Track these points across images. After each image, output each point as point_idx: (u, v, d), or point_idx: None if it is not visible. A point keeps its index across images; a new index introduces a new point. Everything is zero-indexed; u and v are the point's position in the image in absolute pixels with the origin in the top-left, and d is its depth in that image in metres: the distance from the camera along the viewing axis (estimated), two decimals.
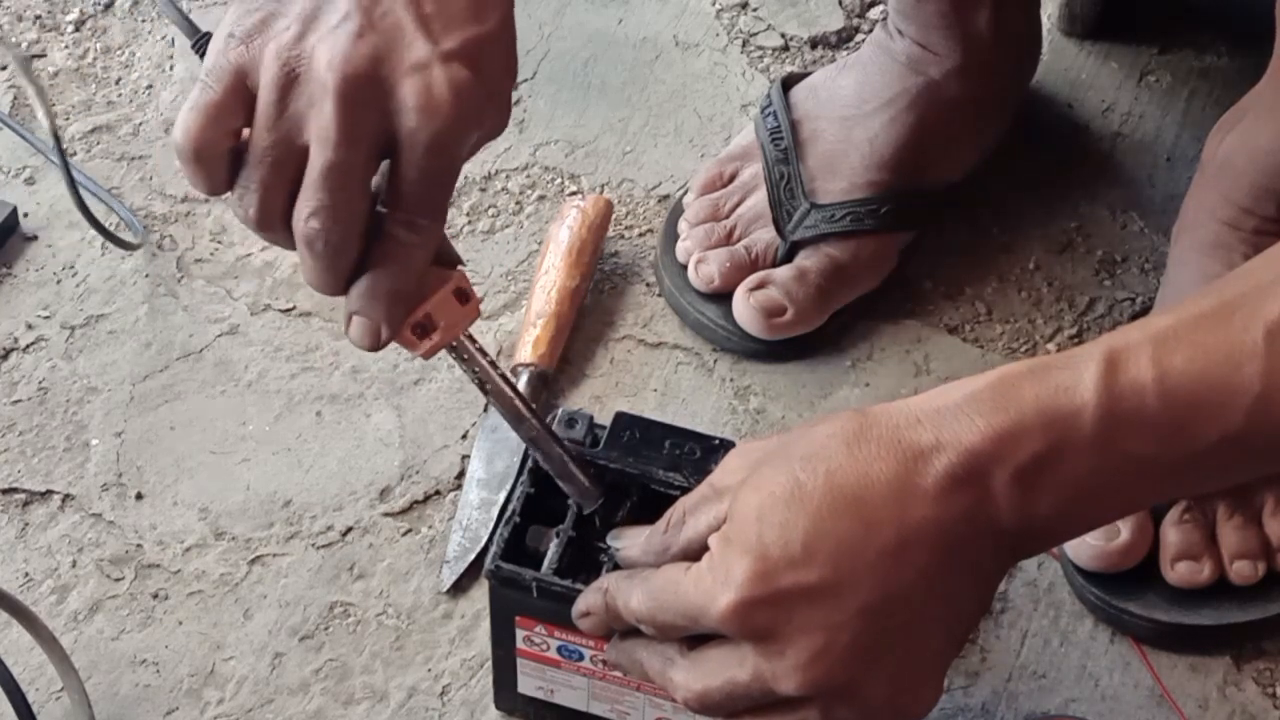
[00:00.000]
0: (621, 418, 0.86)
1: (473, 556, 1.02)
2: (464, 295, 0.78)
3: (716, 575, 0.71)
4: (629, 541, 0.79)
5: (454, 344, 0.80)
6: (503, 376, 0.82)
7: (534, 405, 0.84)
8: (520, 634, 0.86)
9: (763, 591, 0.70)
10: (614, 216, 1.17)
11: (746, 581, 0.70)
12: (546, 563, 0.83)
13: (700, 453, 0.85)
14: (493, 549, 0.85)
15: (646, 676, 0.76)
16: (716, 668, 0.72)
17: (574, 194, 1.19)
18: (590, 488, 0.84)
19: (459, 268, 0.79)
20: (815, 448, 0.70)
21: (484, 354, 0.81)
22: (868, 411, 0.71)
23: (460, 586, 1.01)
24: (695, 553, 0.74)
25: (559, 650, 0.86)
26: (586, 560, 0.83)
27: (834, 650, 0.70)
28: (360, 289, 0.76)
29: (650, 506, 0.83)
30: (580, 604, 0.79)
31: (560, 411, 0.85)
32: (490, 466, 1.05)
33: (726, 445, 0.85)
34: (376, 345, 0.77)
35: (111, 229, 1.14)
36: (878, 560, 0.69)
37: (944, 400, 0.70)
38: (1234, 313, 0.68)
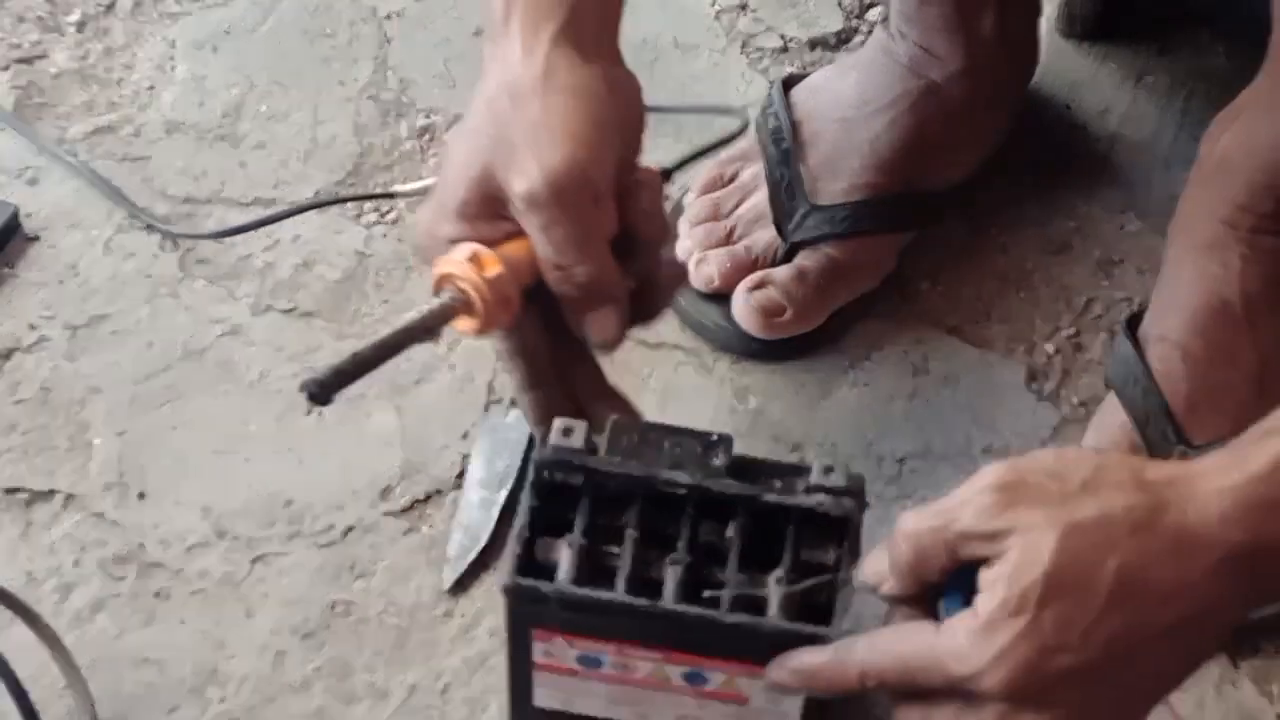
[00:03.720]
0: (618, 424, 0.86)
1: (474, 555, 1.02)
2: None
3: (986, 648, 0.72)
4: (875, 577, 0.78)
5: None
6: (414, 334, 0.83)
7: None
8: (538, 648, 0.84)
9: (1035, 675, 0.71)
10: None
11: (1024, 664, 0.71)
12: (563, 572, 0.82)
13: (701, 449, 0.85)
14: (506, 565, 0.82)
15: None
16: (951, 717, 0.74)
17: None
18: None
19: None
20: (1099, 524, 0.71)
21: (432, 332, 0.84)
22: (1151, 487, 0.72)
23: (461, 585, 1.01)
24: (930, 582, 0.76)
25: (578, 660, 0.85)
26: (598, 566, 0.83)
27: (1076, 711, 0.72)
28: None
29: (658, 507, 0.83)
30: (804, 661, 0.78)
31: (556, 421, 0.85)
32: (490, 466, 1.05)
33: (724, 439, 0.85)
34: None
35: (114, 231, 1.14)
36: (1144, 648, 0.72)
37: (1223, 482, 0.71)
38: None
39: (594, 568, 0.82)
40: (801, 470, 0.84)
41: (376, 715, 0.96)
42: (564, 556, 0.82)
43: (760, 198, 1.13)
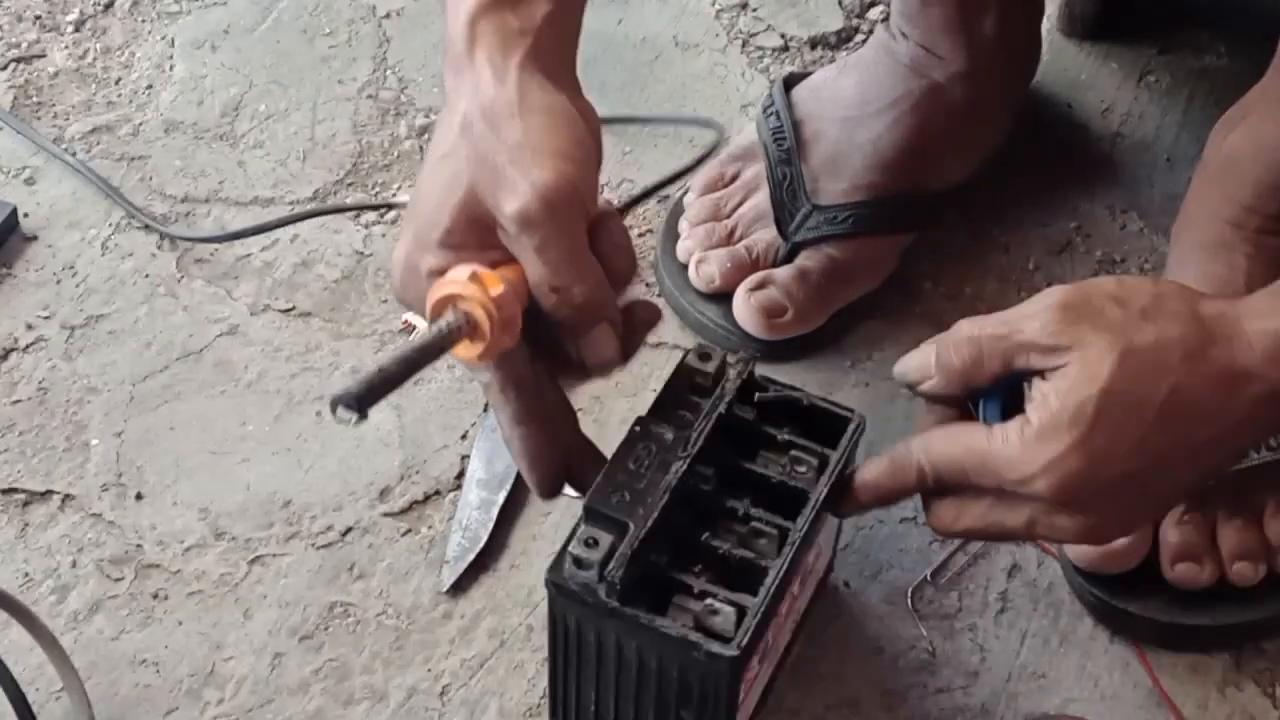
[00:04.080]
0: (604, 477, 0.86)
1: (472, 557, 1.02)
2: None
3: (1039, 454, 0.79)
4: (918, 374, 0.86)
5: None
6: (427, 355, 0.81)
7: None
8: None
9: (1082, 483, 0.79)
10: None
11: (1074, 473, 0.79)
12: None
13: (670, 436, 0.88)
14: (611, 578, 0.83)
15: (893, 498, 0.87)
16: (986, 513, 0.84)
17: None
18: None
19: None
20: (1155, 350, 0.79)
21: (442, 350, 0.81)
22: (1204, 320, 0.80)
23: (460, 586, 1.01)
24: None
25: None
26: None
27: (1114, 515, 0.82)
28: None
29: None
30: (869, 473, 0.88)
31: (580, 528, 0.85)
32: (490, 466, 1.05)
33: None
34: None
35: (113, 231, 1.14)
36: (1183, 457, 0.80)
37: (1269, 324, 0.79)
38: None
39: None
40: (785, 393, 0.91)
41: (375, 717, 0.96)
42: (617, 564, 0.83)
43: (761, 197, 1.13)
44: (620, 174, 1.22)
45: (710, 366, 0.90)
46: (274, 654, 0.98)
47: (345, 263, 1.16)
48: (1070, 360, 0.79)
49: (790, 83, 1.18)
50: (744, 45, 1.31)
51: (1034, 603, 1.01)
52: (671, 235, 1.15)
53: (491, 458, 1.06)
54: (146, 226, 1.18)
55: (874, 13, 1.32)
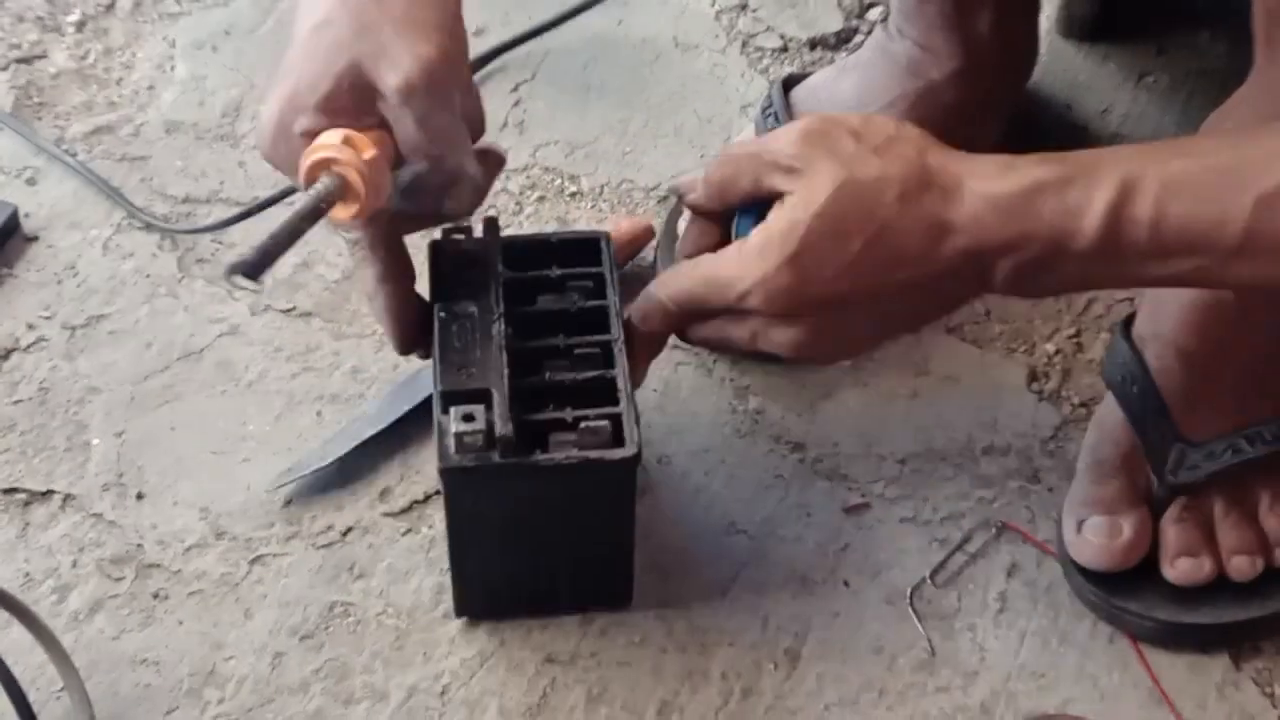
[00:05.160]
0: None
1: (307, 473, 1.05)
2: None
3: (753, 269, 0.84)
4: (688, 188, 0.91)
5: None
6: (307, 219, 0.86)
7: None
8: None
9: (789, 296, 0.84)
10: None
11: (781, 287, 0.84)
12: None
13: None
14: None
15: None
16: (720, 326, 0.89)
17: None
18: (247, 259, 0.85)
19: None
20: (873, 185, 0.83)
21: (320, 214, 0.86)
22: (929, 169, 0.84)
23: (288, 498, 1.03)
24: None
25: None
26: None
27: (823, 334, 0.87)
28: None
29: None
30: (636, 307, 0.92)
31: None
32: (381, 409, 1.08)
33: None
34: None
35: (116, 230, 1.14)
36: (888, 293, 0.84)
37: (985, 188, 0.83)
38: (1237, 174, 0.80)
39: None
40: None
41: (375, 716, 0.96)
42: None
43: None
44: (620, 174, 1.22)
45: (464, 239, 0.97)
46: (274, 654, 0.98)
47: (345, 263, 1.16)
48: (798, 184, 0.84)
49: (790, 84, 1.18)
50: (743, 46, 1.31)
51: (1034, 603, 1.01)
52: (671, 235, 1.15)
53: (390, 401, 1.08)
54: (148, 226, 1.18)
55: (873, 13, 1.32)
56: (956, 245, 0.83)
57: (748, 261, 0.85)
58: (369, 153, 0.85)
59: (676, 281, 0.90)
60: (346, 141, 0.84)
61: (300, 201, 0.84)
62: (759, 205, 0.87)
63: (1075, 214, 0.82)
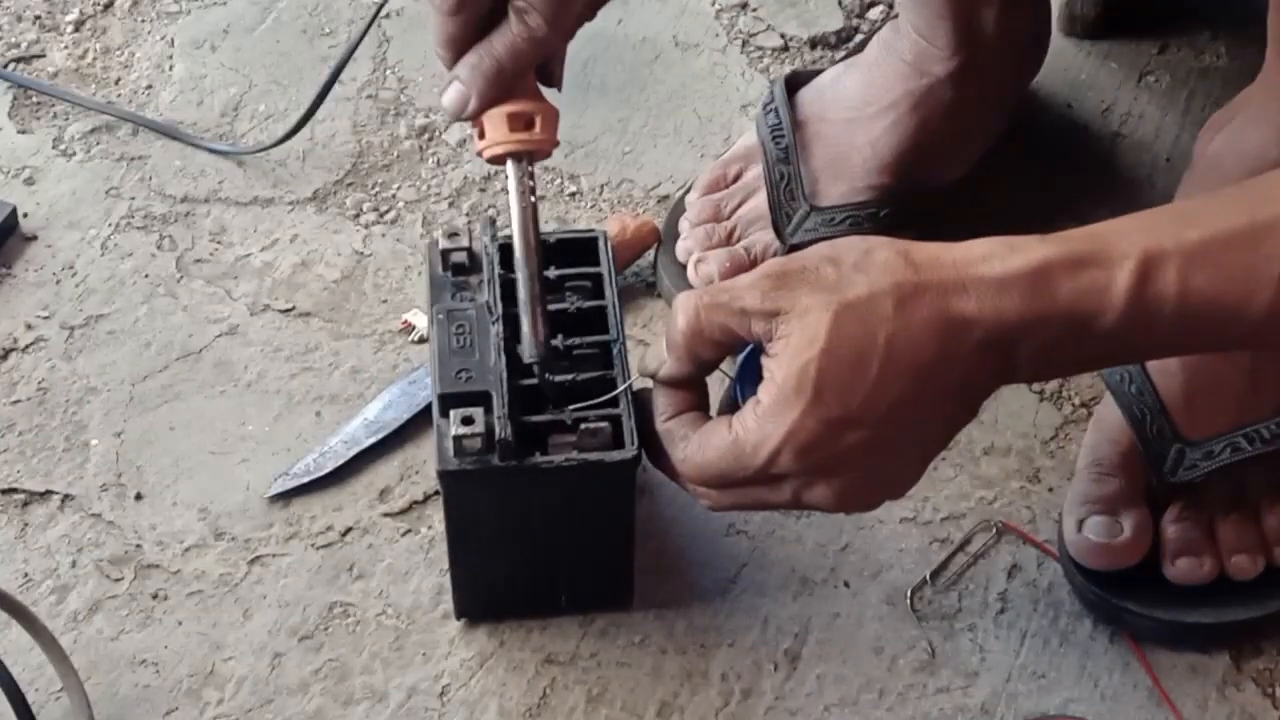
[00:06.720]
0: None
1: (307, 480, 1.04)
2: (534, 123, 0.91)
3: (776, 429, 0.79)
4: (655, 361, 0.85)
5: (516, 161, 0.91)
6: (533, 215, 0.91)
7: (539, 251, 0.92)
8: None
9: (824, 446, 0.79)
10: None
11: (812, 438, 0.78)
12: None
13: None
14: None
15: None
16: (750, 492, 0.83)
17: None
18: (540, 342, 0.90)
19: (554, 107, 0.93)
20: (868, 302, 0.78)
21: (534, 191, 0.91)
22: (917, 266, 0.78)
23: (284, 500, 1.03)
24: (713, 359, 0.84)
25: None
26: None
27: (866, 479, 0.81)
28: (466, 58, 0.90)
29: None
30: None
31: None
32: (382, 412, 1.07)
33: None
34: (461, 113, 0.91)
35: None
36: (916, 415, 0.79)
37: (988, 270, 0.78)
38: (1261, 240, 0.76)
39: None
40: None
41: (375, 717, 0.96)
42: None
43: (761, 199, 1.13)
44: (620, 174, 1.22)
45: (463, 242, 0.97)
46: (274, 654, 0.98)
47: (345, 263, 1.16)
48: (789, 327, 0.79)
49: (794, 82, 1.17)
50: (744, 45, 1.31)
51: (1034, 603, 1.01)
52: (671, 235, 1.15)
53: (389, 406, 1.07)
54: (146, 226, 1.17)
55: (874, 13, 1.32)
56: (974, 338, 0.78)
57: (768, 421, 0.79)
58: (530, 132, 0.91)
59: (697, 460, 0.83)
60: (510, 123, 0.91)
61: (515, 204, 0.91)
62: (749, 361, 0.82)
63: (1096, 293, 0.77)
